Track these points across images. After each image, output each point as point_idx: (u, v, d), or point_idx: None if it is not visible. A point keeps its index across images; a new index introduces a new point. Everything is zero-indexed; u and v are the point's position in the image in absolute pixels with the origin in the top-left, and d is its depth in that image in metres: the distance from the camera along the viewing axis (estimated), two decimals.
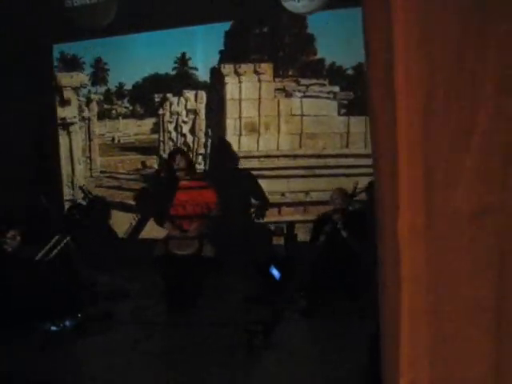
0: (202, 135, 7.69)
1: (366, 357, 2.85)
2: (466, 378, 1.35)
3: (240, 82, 7.44)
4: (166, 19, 6.40)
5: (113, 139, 8.16)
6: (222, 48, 7.40)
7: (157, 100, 7.91)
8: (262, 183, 7.08)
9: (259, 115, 7.34)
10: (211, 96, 7.59)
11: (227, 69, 7.41)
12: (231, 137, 7.40)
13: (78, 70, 8.04)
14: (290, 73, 7.34)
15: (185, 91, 7.71)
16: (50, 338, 4.00)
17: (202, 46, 7.37)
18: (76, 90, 7.96)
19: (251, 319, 4.12)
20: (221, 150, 7.29)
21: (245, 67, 7.37)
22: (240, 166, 7.05)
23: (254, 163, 7.32)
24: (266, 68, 7.30)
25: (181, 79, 7.87)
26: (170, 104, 7.84)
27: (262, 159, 7.33)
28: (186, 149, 7.43)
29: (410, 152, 1.30)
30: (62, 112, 7.90)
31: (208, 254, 5.11)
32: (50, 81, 7.48)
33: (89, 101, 8.08)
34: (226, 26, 7.20)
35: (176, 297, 4.84)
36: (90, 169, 8.01)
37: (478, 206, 1.29)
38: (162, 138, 7.92)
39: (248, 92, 7.43)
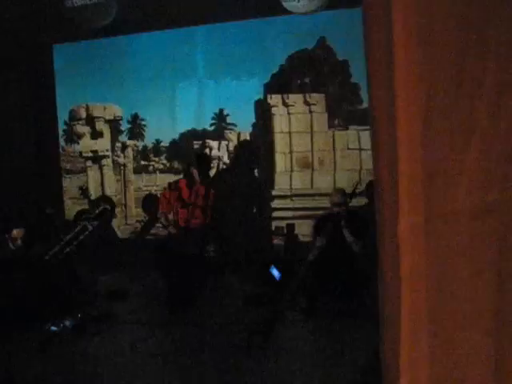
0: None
1: (365, 356, 2.85)
2: (466, 377, 1.35)
3: (289, 113, 6.81)
4: (167, 19, 6.40)
5: (150, 193, 7.87)
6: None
7: (196, 147, 7.55)
8: None
9: (312, 149, 6.73)
10: (256, 132, 7.03)
11: (274, 99, 6.79)
12: (281, 173, 6.77)
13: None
14: (336, 122, 6.93)
15: (226, 131, 7.36)
16: (49, 338, 4.00)
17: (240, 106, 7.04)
18: (109, 122, 7.67)
19: (251, 319, 4.12)
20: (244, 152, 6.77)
21: (294, 98, 6.76)
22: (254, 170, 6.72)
23: (307, 202, 6.68)
24: (318, 99, 6.74)
25: (219, 135, 7.49)
26: (210, 149, 7.45)
27: (316, 197, 6.69)
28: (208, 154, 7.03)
29: (410, 152, 1.30)
30: (94, 145, 7.56)
31: (208, 253, 5.10)
32: (50, 81, 7.47)
33: (124, 147, 7.78)
34: (265, 78, 6.75)
35: (176, 297, 4.83)
36: (125, 216, 7.66)
37: (478, 206, 1.29)
38: None
39: (298, 124, 6.78)
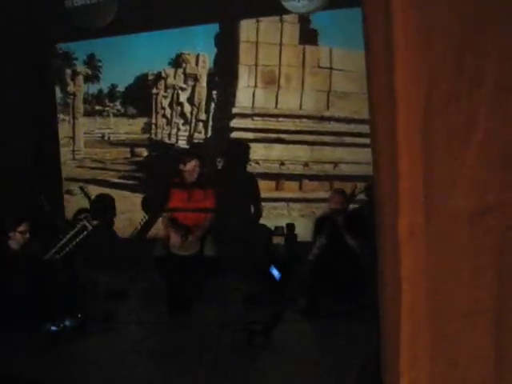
0: (202, 104, 6.57)
1: (365, 356, 2.85)
2: (466, 377, 1.35)
3: (257, 20, 6.06)
4: (167, 19, 6.40)
5: (103, 136, 7.62)
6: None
7: (151, 78, 7.00)
8: (281, 149, 5.95)
9: (280, 64, 5.98)
10: (220, 40, 6.26)
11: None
12: (243, 89, 6.06)
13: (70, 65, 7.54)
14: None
15: (184, 52, 6.66)
16: (50, 338, 4.00)
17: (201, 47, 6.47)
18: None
19: (251, 319, 4.12)
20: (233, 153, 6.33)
21: None
22: (248, 169, 6.36)
23: (270, 123, 6.06)
24: None
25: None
26: (166, 77, 6.83)
27: (280, 119, 6.07)
28: (196, 147, 6.43)
29: (410, 152, 1.30)
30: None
31: (209, 253, 5.09)
32: (50, 81, 7.46)
33: (75, 74, 7.39)
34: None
35: (176, 297, 4.83)
36: (73, 150, 7.26)
37: (477, 206, 1.29)
38: (154, 121, 7.03)
39: (267, 34, 6.03)
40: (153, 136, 7.11)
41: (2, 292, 4.31)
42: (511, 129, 1.26)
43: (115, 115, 7.63)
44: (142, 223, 6.89)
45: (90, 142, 7.46)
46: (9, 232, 4.63)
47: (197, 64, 6.69)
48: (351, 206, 5.18)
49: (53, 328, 4.07)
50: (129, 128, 7.55)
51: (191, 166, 5.13)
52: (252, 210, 6.56)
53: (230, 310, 4.74)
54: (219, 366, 3.65)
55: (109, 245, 6.44)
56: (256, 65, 6.11)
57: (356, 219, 4.95)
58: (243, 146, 6.43)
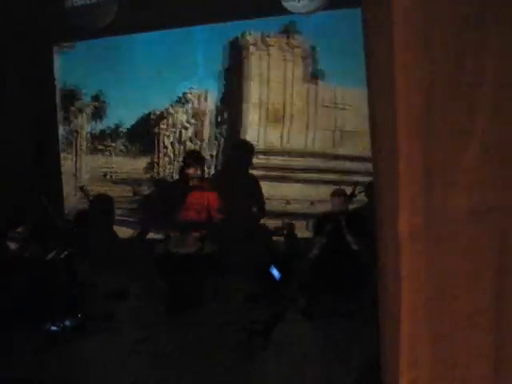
0: (206, 142, 6.66)
1: (365, 356, 2.85)
2: (466, 377, 1.35)
3: (269, 54, 6.01)
4: (167, 20, 6.40)
5: (105, 174, 7.69)
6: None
7: (153, 117, 7.11)
8: (286, 187, 6.03)
9: (285, 102, 5.99)
10: (228, 77, 6.29)
11: (253, 37, 6.04)
12: (249, 126, 6.11)
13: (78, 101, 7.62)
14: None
15: (187, 91, 6.81)
16: (50, 338, 4.00)
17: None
18: None
19: (251, 319, 4.12)
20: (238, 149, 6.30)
21: (275, 39, 5.98)
22: (250, 169, 6.31)
23: (276, 161, 6.13)
24: (300, 42, 5.91)
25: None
26: (168, 114, 6.96)
27: (286, 157, 6.12)
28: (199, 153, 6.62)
29: (410, 152, 1.30)
30: None
31: (208, 251, 5.10)
32: (50, 81, 7.46)
33: (79, 112, 7.52)
34: None
35: (176, 297, 4.83)
36: (75, 186, 7.30)
37: (477, 206, 1.30)
38: (156, 160, 7.17)
39: (275, 71, 6.02)
40: (155, 175, 7.21)
41: (1, 292, 4.32)
42: (511, 129, 1.26)
43: (117, 155, 7.69)
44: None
45: (92, 180, 7.57)
46: (8, 233, 4.64)
47: (200, 102, 6.75)
48: (351, 206, 5.17)
49: (53, 328, 4.07)
50: (131, 167, 7.61)
51: (194, 171, 5.26)
52: (253, 209, 6.55)
53: (231, 310, 4.74)
54: (219, 365, 3.65)
55: (109, 245, 6.44)
56: (261, 103, 6.11)
57: (356, 219, 4.95)
58: (246, 147, 6.42)
